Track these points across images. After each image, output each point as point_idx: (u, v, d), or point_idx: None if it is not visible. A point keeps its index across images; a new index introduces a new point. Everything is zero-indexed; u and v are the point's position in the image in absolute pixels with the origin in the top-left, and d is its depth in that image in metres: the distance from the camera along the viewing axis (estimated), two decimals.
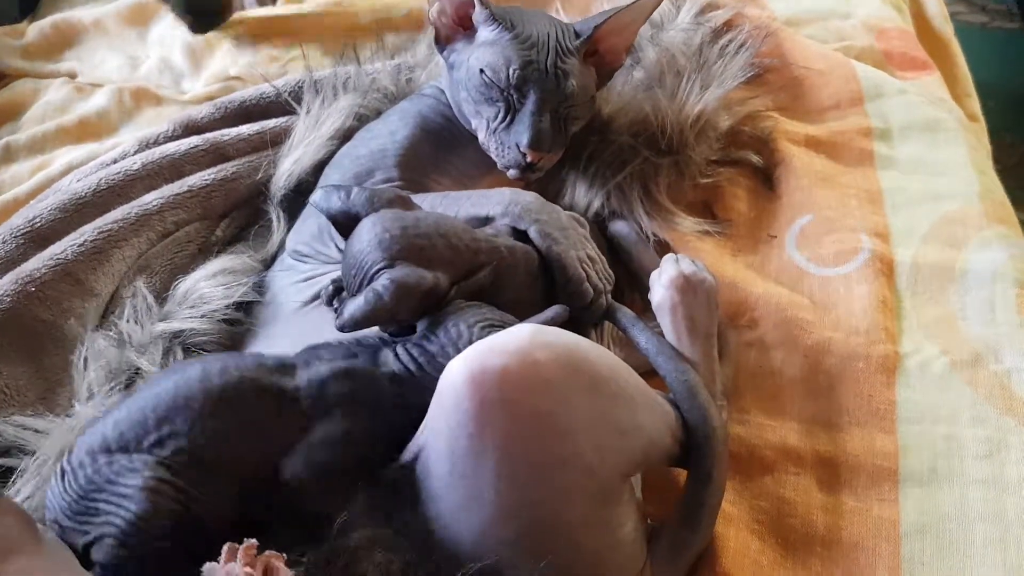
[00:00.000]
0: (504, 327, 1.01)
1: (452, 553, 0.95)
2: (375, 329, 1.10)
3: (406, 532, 0.96)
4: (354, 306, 1.05)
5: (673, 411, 1.07)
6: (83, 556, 0.96)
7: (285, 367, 1.04)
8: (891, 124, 1.49)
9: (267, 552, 0.86)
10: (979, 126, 1.71)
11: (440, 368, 0.99)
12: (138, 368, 1.21)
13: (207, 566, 0.85)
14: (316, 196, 1.19)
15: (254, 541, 0.86)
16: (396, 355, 1.05)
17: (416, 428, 1.00)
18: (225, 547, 0.86)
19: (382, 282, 1.05)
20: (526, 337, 0.97)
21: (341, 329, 1.04)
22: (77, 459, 0.98)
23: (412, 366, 1.04)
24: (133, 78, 1.83)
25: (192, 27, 1.72)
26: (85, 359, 1.22)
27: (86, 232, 1.33)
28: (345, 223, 1.14)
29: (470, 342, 1.01)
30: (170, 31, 1.87)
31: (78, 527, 0.96)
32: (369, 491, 0.98)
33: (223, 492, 0.98)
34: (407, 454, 1.00)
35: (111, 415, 1.00)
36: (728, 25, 1.53)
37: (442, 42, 1.36)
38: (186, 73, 1.83)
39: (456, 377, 0.94)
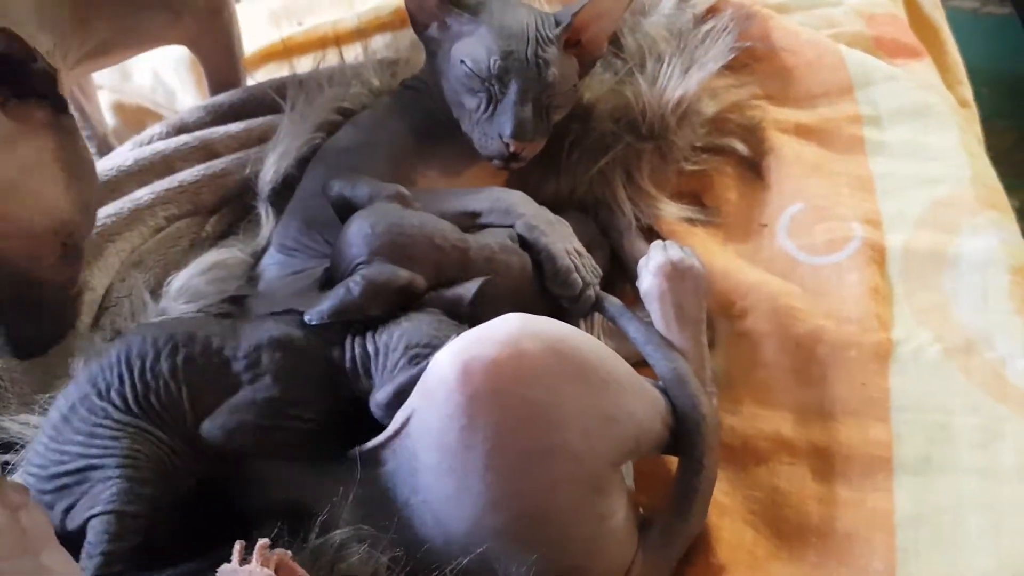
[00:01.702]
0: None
1: (442, 545, 0.95)
2: None
3: (394, 526, 0.96)
4: (324, 300, 1.07)
5: (663, 399, 1.07)
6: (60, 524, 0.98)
7: (234, 328, 1.08)
8: (881, 110, 1.47)
9: (277, 550, 0.86)
10: (970, 112, 1.70)
11: (368, 372, 1.04)
12: None
13: (222, 568, 0.84)
14: (329, 183, 1.24)
15: (266, 540, 0.86)
16: (344, 342, 1.07)
17: (351, 414, 1.04)
18: (236, 546, 0.86)
19: (355, 278, 1.08)
20: (515, 326, 0.97)
21: (309, 322, 1.06)
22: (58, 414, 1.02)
23: (348, 357, 1.06)
24: (124, 89, 1.85)
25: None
26: (85, 359, 1.21)
27: None
28: (343, 212, 1.17)
29: (395, 366, 1.03)
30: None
31: (56, 490, 0.98)
32: (353, 486, 0.98)
33: (182, 448, 1.02)
34: (386, 450, 0.99)
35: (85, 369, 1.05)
36: (712, 11, 1.52)
37: (419, 27, 1.36)
38: (178, 90, 1.86)
39: (445, 370, 0.94)
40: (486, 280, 1.12)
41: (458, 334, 1.01)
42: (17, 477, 1.02)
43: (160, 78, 1.89)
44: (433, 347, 1.01)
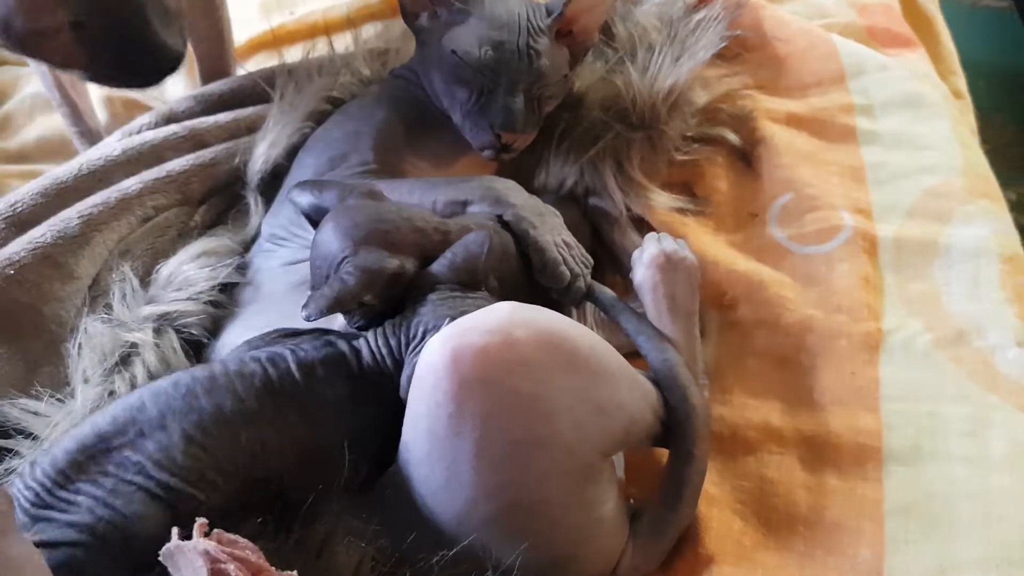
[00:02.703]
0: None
1: (432, 535, 0.95)
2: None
3: (381, 518, 0.95)
4: (319, 294, 1.05)
5: (654, 390, 1.07)
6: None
7: (274, 360, 1.04)
8: (873, 100, 1.47)
9: (216, 530, 0.84)
10: (964, 103, 1.69)
11: (399, 363, 1.02)
12: (133, 343, 1.22)
13: (165, 547, 0.83)
14: (292, 192, 1.21)
15: (204, 520, 0.84)
16: (368, 344, 1.05)
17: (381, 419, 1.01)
18: (174, 529, 0.84)
19: (346, 269, 1.06)
20: (504, 315, 0.96)
21: (307, 318, 1.04)
22: (60, 452, 0.96)
23: (380, 355, 1.04)
24: None
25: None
26: (79, 344, 1.22)
27: (66, 216, 1.32)
28: (317, 219, 1.15)
29: (414, 353, 1.01)
30: None
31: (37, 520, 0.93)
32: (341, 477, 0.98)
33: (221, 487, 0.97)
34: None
35: (93, 417, 0.99)
36: (703, 0, 1.52)
37: (410, 16, 1.35)
38: (167, 80, 1.83)
39: (435, 358, 0.94)
40: (488, 233, 1.10)
41: (476, 306, 1.01)
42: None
43: None
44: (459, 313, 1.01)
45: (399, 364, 1.04)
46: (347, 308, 1.06)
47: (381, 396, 1.03)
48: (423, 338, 1.02)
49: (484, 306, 1.02)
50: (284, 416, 1.00)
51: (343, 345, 1.05)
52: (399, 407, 1.00)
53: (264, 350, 1.05)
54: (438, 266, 1.09)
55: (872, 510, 1.08)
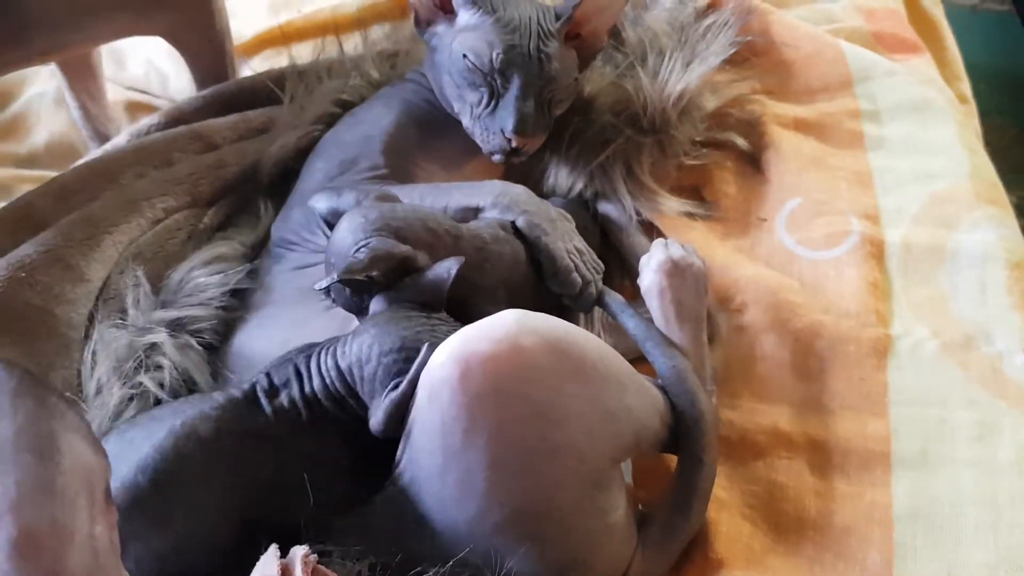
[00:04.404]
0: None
1: (442, 543, 0.94)
2: None
3: (386, 531, 0.95)
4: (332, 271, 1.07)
5: (662, 396, 1.07)
6: None
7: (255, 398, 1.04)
8: (880, 105, 1.47)
9: (312, 556, 0.85)
10: (969, 108, 1.70)
11: (351, 392, 1.02)
12: (153, 344, 1.21)
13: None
14: (311, 199, 1.23)
15: (305, 548, 0.85)
16: (312, 369, 1.04)
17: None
18: (272, 549, 0.85)
19: (359, 252, 1.07)
20: (511, 323, 0.96)
21: (319, 288, 1.06)
22: None
23: (328, 382, 1.03)
24: (119, 77, 1.84)
25: None
26: (94, 352, 1.21)
27: (76, 219, 1.32)
28: (334, 222, 1.16)
29: (372, 379, 1.01)
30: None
31: None
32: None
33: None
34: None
35: None
36: (713, 5, 1.52)
37: (422, 25, 1.35)
38: (171, 75, 1.85)
39: (446, 371, 0.93)
40: (464, 262, 1.08)
41: (433, 334, 1.00)
42: None
43: (153, 63, 1.87)
44: (408, 350, 0.99)
45: (349, 388, 1.02)
46: (357, 277, 1.05)
47: (334, 417, 1.03)
48: (378, 363, 1.00)
49: (444, 328, 1.02)
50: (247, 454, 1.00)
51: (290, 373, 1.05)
52: (357, 427, 1.01)
53: (220, 394, 1.05)
54: (402, 285, 1.08)
55: (881, 515, 1.08)
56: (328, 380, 1.03)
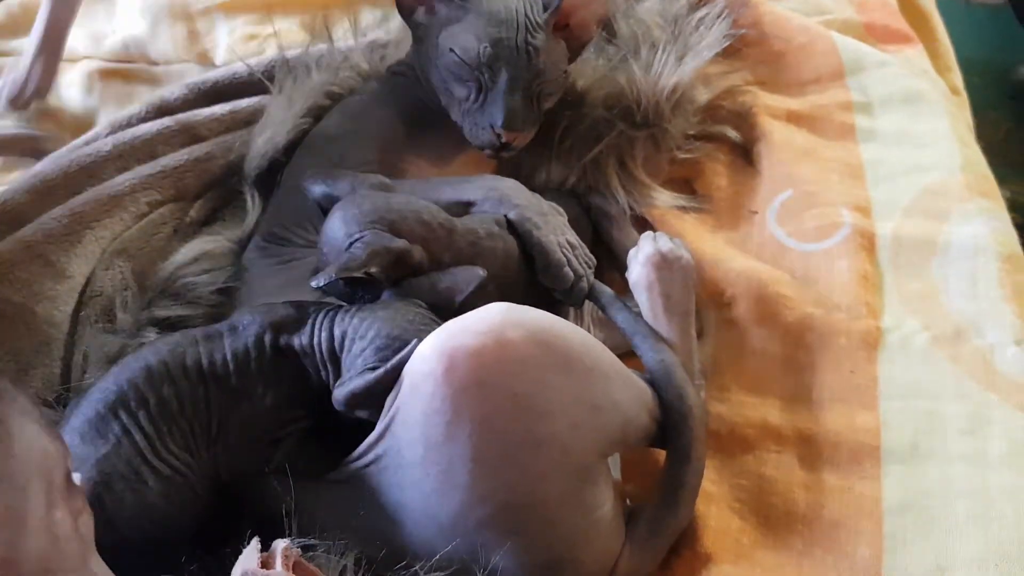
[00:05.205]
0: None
1: (428, 539, 0.94)
2: None
3: (367, 526, 0.94)
4: (328, 266, 1.06)
5: (649, 390, 1.06)
6: None
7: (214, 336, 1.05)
8: (872, 97, 1.47)
9: (295, 549, 0.85)
10: (961, 99, 1.69)
11: (334, 358, 1.02)
12: (142, 344, 1.19)
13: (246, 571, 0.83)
14: (305, 181, 1.22)
15: (287, 542, 0.85)
16: (314, 325, 1.05)
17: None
18: (254, 543, 0.85)
19: (356, 246, 1.07)
20: (496, 316, 0.96)
21: (315, 286, 1.05)
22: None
23: (316, 342, 1.04)
24: (99, 53, 1.82)
25: None
26: (85, 355, 1.21)
27: (56, 214, 1.31)
28: (328, 207, 1.16)
29: (359, 355, 1.01)
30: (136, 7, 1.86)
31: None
32: (328, 486, 0.98)
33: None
34: (364, 448, 0.98)
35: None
36: None
37: (405, 11, 1.34)
38: (147, 40, 1.83)
39: (431, 364, 0.93)
40: (484, 276, 1.09)
41: (431, 331, 0.99)
42: None
43: (129, 32, 1.84)
44: (403, 341, 0.99)
45: (334, 359, 1.03)
46: (355, 274, 1.05)
47: (301, 375, 1.04)
48: (370, 343, 1.01)
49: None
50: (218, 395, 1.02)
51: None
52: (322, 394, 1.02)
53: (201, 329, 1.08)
54: (418, 282, 1.09)
55: (871, 508, 1.08)
56: (317, 339, 1.03)
